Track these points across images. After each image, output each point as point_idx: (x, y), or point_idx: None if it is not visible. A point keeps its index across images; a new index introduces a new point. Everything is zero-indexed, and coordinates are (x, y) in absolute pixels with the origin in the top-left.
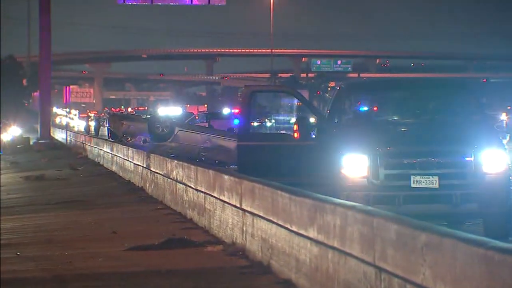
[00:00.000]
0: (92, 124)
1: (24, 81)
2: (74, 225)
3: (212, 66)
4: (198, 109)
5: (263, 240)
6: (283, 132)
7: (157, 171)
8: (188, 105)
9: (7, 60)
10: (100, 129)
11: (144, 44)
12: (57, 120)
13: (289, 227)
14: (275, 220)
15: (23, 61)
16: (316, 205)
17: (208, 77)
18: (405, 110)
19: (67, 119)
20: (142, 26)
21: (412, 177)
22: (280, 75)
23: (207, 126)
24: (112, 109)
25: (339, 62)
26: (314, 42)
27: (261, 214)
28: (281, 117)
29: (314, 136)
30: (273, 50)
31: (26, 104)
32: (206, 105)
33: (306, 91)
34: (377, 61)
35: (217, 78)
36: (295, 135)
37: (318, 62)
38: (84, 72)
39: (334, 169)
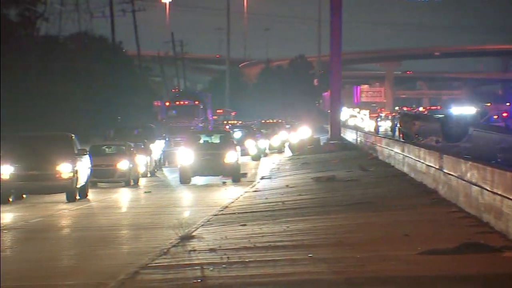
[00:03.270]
0: (382, 124)
1: (315, 81)
2: (364, 227)
3: (509, 63)
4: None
5: None
6: None
7: (450, 172)
8: (490, 104)
9: (298, 59)
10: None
11: (435, 41)
12: (349, 121)
13: None
14: None
15: (314, 61)
16: None
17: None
18: None
19: (358, 119)
20: (433, 22)
21: None
22: None
23: (503, 125)
24: (404, 108)
25: None
26: None
27: None
28: None
29: None
30: None
31: (317, 104)
32: (508, 104)
33: None
34: None
35: None
36: None
37: None
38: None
39: None
